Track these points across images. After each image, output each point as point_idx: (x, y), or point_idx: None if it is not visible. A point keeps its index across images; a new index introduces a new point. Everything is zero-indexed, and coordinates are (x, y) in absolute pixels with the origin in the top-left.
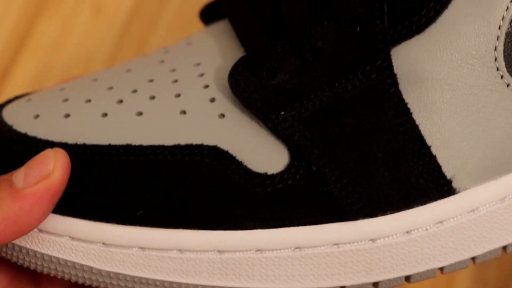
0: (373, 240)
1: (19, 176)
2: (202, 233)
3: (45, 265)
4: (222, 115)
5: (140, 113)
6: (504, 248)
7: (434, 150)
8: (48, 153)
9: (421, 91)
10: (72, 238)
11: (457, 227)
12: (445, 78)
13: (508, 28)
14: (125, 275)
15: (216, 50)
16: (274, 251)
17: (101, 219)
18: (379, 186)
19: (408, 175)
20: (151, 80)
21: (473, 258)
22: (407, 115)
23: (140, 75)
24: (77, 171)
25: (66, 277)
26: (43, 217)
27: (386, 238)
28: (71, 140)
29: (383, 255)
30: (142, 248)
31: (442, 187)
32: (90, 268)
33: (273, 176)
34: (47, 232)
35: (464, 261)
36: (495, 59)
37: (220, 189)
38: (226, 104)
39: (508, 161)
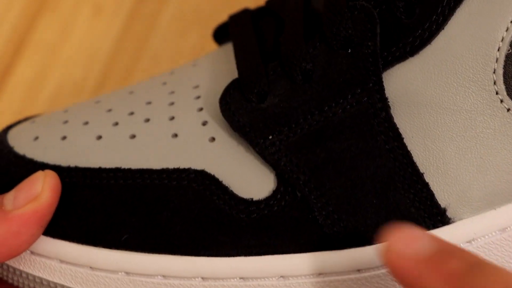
0: (359, 270)
1: (9, 198)
2: (185, 259)
3: (37, 287)
4: (213, 139)
5: (133, 136)
6: None
7: (427, 178)
8: (37, 175)
9: (414, 116)
10: (61, 261)
11: None
12: (440, 102)
13: (508, 50)
14: None
15: (216, 73)
16: (258, 280)
17: (89, 242)
18: (367, 214)
19: (398, 203)
20: (149, 103)
21: None
22: (398, 141)
23: (140, 97)
24: (68, 194)
25: None
26: (32, 239)
27: (373, 269)
28: (65, 162)
29: (370, 286)
30: (127, 273)
31: (435, 216)
32: None
33: (258, 202)
34: (38, 254)
35: None
36: (494, 82)
37: (204, 214)
38: (217, 128)
39: (510, 190)
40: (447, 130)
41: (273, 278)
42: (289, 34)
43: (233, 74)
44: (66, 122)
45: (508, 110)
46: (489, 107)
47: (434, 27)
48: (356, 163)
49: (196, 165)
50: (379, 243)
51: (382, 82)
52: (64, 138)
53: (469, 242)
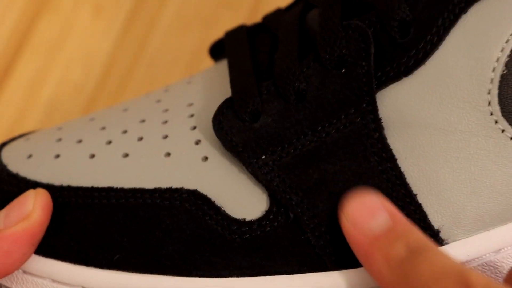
0: None
1: (0, 217)
2: (177, 280)
3: None
4: (206, 158)
5: (126, 155)
6: None
7: (420, 199)
8: (28, 194)
9: (408, 136)
10: (53, 280)
11: None
12: (434, 122)
13: (503, 71)
14: None
15: (210, 90)
16: None
17: (81, 262)
18: None
19: None
20: (143, 121)
21: None
22: (391, 162)
23: (134, 115)
24: (60, 213)
25: None
26: (24, 258)
27: None
28: (58, 181)
29: None
30: None
31: (429, 238)
32: None
33: (251, 222)
34: (30, 273)
35: None
36: (489, 103)
37: (196, 235)
38: (210, 147)
39: (504, 211)
40: (441, 151)
41: None
42: (283, 52)
43: (227, 92)
44: (59, 140)
45: (503, 131)
46: (484, 128)
47: (429, 47)
48: (349, 184)
49: (189, 184)
50: (342, 207)
51: (375, 102)
52: (57, 156)
53: (463, 263)
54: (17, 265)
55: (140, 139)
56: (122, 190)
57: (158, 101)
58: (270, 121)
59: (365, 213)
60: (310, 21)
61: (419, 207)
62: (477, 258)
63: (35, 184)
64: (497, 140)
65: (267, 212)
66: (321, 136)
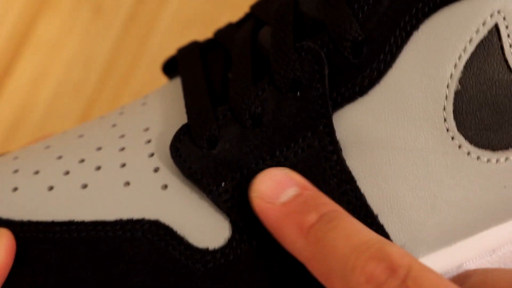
0: None
1: None
2: None
3: None
4: (165, 186)
5: (85, 186)
6: None
7: (381, 219)
8: None
9: (366, 156)
10: None
11: None
12: (391, 141)
13: (457, 87)
14: None
15: (165, 113)
16: None
17: None
18: None
19: None
20: (99, 148)
21: None
22: (351, 184)
23: (90, 142)
24: (22, 249)
25: None
26: None
27: None
28: (17, 216)
29: None
30: None
31: None
32: None
33: (214, 251)
34: None
35: None
36: (445, 120)
37: (160, 265)
38: (169, 174)
39: (464, 226)
40: (399, 170)
41: None
42: (237, 75)
43: (183, 114)
44: (16, 171)
45: (460, 146)
46: (441, 145)
47: (382, 66)
48: None
49: (150, 214)
50: (252, 185)
51: (332, 124)
52: (15, 189)
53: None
54: None
55: (98, 168)
56: (83, 223)
57: (114, 125)
58: (228, 146)
59: (275, 186)
60: (263, 39)
61: (381, 227)
62: (442, 274)
63: None
64: (455, 156)
65: (230, 240)
66: (279, 161)
